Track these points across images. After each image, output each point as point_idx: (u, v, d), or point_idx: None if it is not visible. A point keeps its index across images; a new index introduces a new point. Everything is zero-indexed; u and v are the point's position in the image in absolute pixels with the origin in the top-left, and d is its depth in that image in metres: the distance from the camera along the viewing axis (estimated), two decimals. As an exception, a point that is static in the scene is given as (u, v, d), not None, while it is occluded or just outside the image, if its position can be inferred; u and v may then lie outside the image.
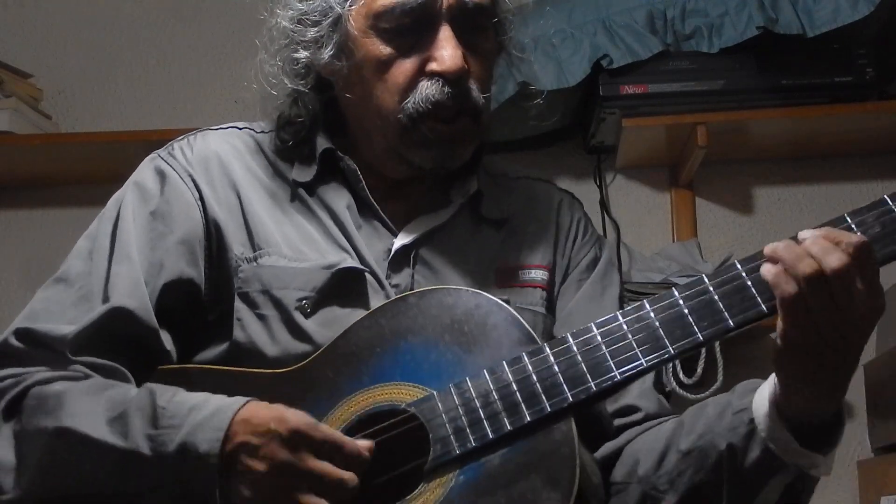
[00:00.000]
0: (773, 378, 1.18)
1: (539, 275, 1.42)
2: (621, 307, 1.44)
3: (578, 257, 1.47)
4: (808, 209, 2.72)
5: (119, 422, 1.15)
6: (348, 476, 1.13)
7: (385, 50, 1.33)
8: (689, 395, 2.39)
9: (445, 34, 1.32)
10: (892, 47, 2.51)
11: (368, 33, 1.34)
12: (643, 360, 1.17)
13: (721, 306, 1.16)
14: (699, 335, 1.17)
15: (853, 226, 1.15)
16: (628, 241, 2.67)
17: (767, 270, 1.12)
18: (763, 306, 1.15)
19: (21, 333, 1.25)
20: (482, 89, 1.35)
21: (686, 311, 1.17)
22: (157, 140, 2.41)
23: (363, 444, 1.15)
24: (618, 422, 1.37)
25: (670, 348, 1.17)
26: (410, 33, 1.33)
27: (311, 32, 1.36)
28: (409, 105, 1.32)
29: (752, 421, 1.19)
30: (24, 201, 2.79)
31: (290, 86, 1.40)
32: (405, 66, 1.33)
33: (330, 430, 1.14)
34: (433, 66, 1.32)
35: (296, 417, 1.13)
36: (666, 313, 1.18)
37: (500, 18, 1.39)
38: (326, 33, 1.35)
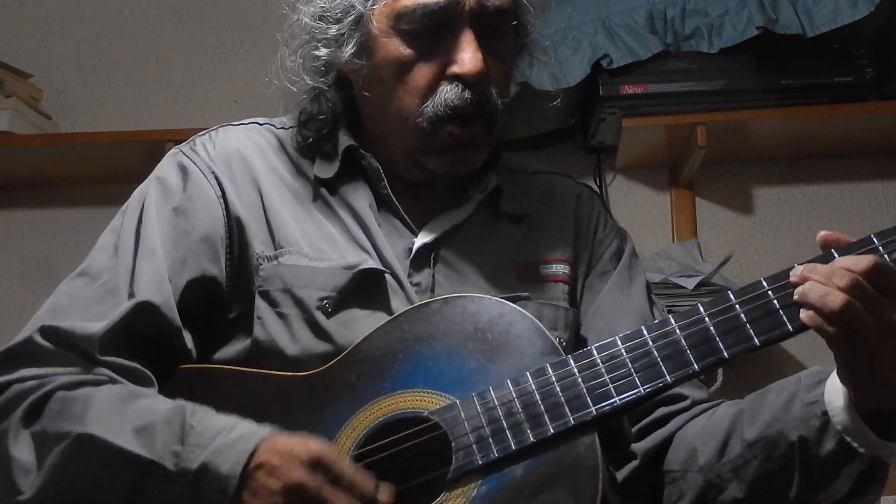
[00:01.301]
0: None
1: (560, 269, 1.42)
2: (650, 296, 1.45)
3: (601, 249, 1.47)
4: (808, 209, 2.73)
5: (145, 433, 1.14)
6: None
7: (406, 51, 1.33)
8: (689, 395, 2.39)
9: (467, 37, 1.31)
10: (892, 47, 2.51)
11: (390, 34, 1.33)
12: (667, 376, 1.18)
13: (747, 325, 1.17)
14: (724, 352, 1.17)
15: (880, 247, 1.16)
16: (628, 241, 2.67)
17: (809, 290, 1.13)
18: (789, 326, 1.16)
19: (47, 331, 1.24)
20: (501, 94, 1.35)
21: (711, 328, 1.18)
22: (156, 140, 2.44)
23: (384, 489, 1.13)
24: (663, 410, 1.37)
25: (695, 364, 1.18)
26: (431, 35, 1.32)
27: (333, 30, 1.35)
28: (428, 109, 1.32)
29: (825, 413, 1.18)
30: (24, 201, 2.79)
31: (310, 83, 1.40)
32: (425, 69, 1.33)
33: (352, 466, 1.13)
34: (454, 69, 1.31)
35: (320, 445, 1.12)
36: (691, 329, 1.19)
37: (521, 21, 1.39)
38: (348, 31, 1.35)
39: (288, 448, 1.11)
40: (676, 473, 1.33)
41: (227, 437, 1.13)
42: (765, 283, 1.18)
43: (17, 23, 2.86)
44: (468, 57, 1.30)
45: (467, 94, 1.31)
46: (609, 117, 2.53)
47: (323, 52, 1.36)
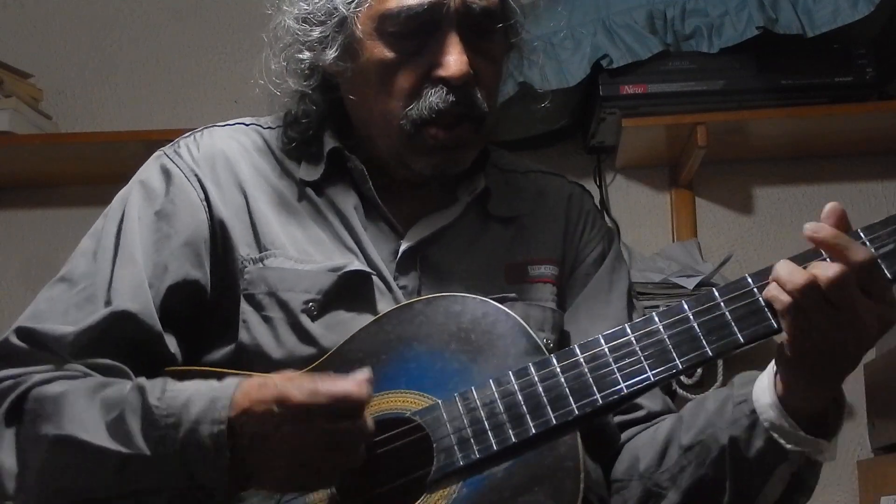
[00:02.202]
0: (771, 367, 1.19)
1: (549, 270, 1.41)
2: (630, 302, 1.45)
3: (586, 251, 1.46)
4: (808, 209, 2.72)
5: (117, 425, 1.14)
6: (361, 432, 1.10)
7: (390, 54, 1.32)
8: (689, 395, 2.40)
9: (451, 39, 1.30)
10: (892, 47, 2.51)
11: (374, 36, 1.32)
12: (650, 374, 1.17)
13: (731, 321, 1.16)
14: (708, 350, 1.16)
15: (867, 242, 1.15)
16: (628, 241, 2.67)
17: (767, 289, 1.14)
18: (772, 321, 1.15)
19: (22, 333, 1.25)
20: (488, 95, 1.34)
21: (696, 325, 1.17)
22: (156, 140, 2.41)
23: (361, 378, 1.10)
24: (620, 418, 1.37)
25: (678, 362, 1.17)
26: (416, 38, 1.31)
27: (316, 32, 1.34)
28: (412, 111, 1.31)
29: (753, 412, 1.18)
30: (24, 201, 2.79)
31: (294, 86, 1.39)
32: (410, 72, 1.32)
33: (327, 386, 1.09)
34: (438, 71, 1.30)
35: (295, 391, 1.09)
36: (675, 328, 1.18)
37: (509, 22, 1.37)
38: (331, 34, 1.33)
39: (268, 411, 1.09)
40: (621, 482, 1.33)
41: (195, 406, 1.11)
42: (749, 280, 1.17)
43: (17, 23, 2.86)
44: (453, 60, 1.29)
45: (451, 98, 1.30)
46: (609, 117, 2.53)
47: (307, 54, 1.35)
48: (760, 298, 1.16)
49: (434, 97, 1.31)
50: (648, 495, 1.29)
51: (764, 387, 1.19)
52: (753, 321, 1.16)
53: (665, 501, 1.27)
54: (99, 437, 1.14)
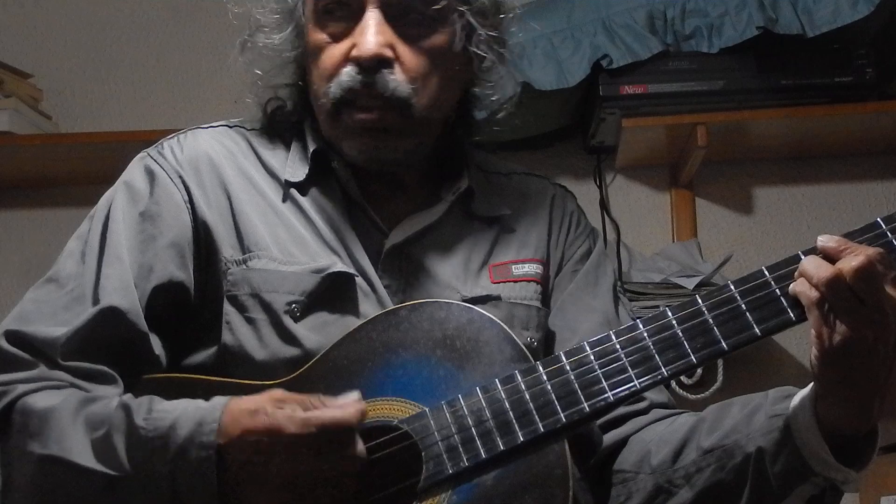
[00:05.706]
0: (810, 387, 1.18)
1: (533, 268, 1.41)
2: (616, 296, 1.45)
3: (572, 249, 1.46)
4: (808, 209, 2.72)
5: (103, 444, 1.13)
6: (352, 462, 1.11)
7: (320, 36, 1.34)
8: (689, 395, 2.40)
9: (368, 19, 1.31)
10: (892, 47, 2.51)
11: (311, 19, 1.35)
12: (636, 382, 1.17)
13: (714, 328, 1.17)
14: (692, 357, 1.17)
15: (888, 231, 1.16)
16: (628, 241, 2.67)
17: (794, 284, 1.14)
18: (756, 329, 1.16)
19: (11, 336, 1.23)
20: (412, 80, 1.31)
21: (679, 332, 1.17)
22: (157, 140, 2.42)
23: (349, 401, 1.11)
24: (621, 409, 1.36)
25: (664, 370, 1.17)
26: (343, 19, 1.33)
27: (273, 18, 1.38)
28: (330, 90, 1.32)
29: (787, 427, 1.17)
30: (24, 201, 2.79)
31: (271, 80, 1.41)
32: (333, 52, 1.33)
33: (318, 415, 1.09)
34: (353, 51, 1.31)
35: (287, 423, 1.09)
36: (659, 335, 1.18)
37: (449, 8, 1.33)
38: (285, 21, 1.38)
39: (256, 441, 1.09)
40: (628, 474, 1.32)
41: (182, 430, 1.11)
42: (732, 287, 1.17)
43: (17, 23, 2.86)
44: (363, 39, 1.30)
45: (360, 77, 1.30)
46: (609, 117, 2.53)
47: (266, 40, 1.38)
48: (743, 306, 1.16)
49: (345, 76, 1.31)
50: (659, 491, 1.28)
51: (804, 406, 1.17)
52: (736, 327, 1.16)
53: (676, 498, 1.26)
54: (84, 457, 1.13)
